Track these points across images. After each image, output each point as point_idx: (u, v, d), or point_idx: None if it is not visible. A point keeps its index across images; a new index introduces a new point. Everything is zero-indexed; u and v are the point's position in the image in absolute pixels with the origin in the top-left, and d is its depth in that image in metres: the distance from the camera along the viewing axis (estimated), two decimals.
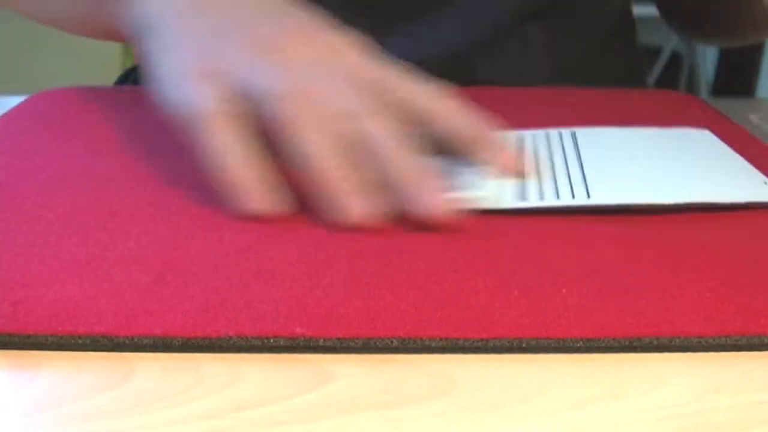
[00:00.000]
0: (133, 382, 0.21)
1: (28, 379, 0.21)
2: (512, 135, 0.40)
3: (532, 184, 0.33)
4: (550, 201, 0.31)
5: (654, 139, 0.38)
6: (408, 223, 0.29)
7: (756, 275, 0.26)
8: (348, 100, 0.31)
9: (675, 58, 2.08)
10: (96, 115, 0.44)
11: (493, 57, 0.53)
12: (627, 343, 0.22)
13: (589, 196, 0.31)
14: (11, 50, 1.48)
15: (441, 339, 0.22)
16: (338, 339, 0.22)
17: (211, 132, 0.30)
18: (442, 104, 0.32)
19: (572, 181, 0.33)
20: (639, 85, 0.62)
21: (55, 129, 0.41)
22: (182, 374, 0.21)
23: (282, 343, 0.22)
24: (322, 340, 0.22)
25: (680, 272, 0.26)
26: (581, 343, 0.22)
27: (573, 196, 0.31)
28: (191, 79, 0.32)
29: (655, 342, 0.22)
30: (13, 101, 0.48)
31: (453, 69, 0.46)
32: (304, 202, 0.30)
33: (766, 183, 0.32)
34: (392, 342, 0.22)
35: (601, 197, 0.31)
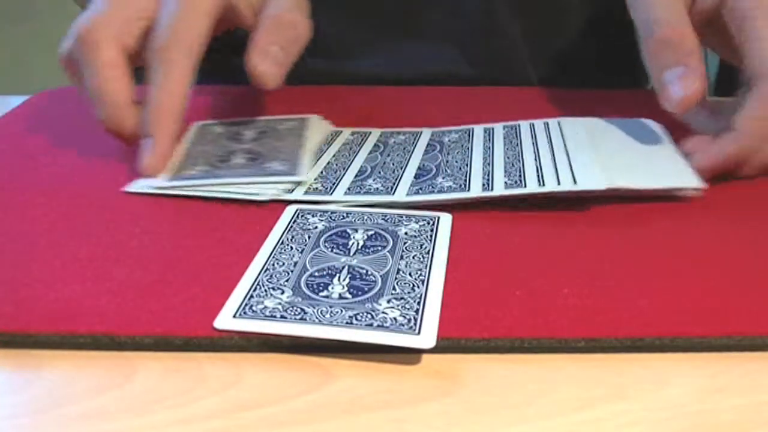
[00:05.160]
0: (135, 382, 0.21)
1: (30, 380, 0.21)
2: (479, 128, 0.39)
3: (476, 175, 0.32)
4: (499, 191, 0.31)
5: (603, 129, 0.38)
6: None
7: (757, 275, 0.26)
8: None
9: None
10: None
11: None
12: (629, 343, 0.22)
13: (525, 185, 0.31)
14: (11, 50, 1.48)
15: (443, 339, 0.22)
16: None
17: None
18: None
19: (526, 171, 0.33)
20: (641, 85, 0.62)
21: (56, 129, 0.41)
22: (184, 375, 0.21)
23: (284, 342, 0.22)
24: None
25: (682, 272, 0.26)
26: (583, 343, 0.22)
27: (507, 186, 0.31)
28: None
29: (658, 342, 0.22)
30: (13, 101, 0.48)
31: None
32: None
33: (692, 170, 0.32)
34: None
35: (529, 187, 0.31)
